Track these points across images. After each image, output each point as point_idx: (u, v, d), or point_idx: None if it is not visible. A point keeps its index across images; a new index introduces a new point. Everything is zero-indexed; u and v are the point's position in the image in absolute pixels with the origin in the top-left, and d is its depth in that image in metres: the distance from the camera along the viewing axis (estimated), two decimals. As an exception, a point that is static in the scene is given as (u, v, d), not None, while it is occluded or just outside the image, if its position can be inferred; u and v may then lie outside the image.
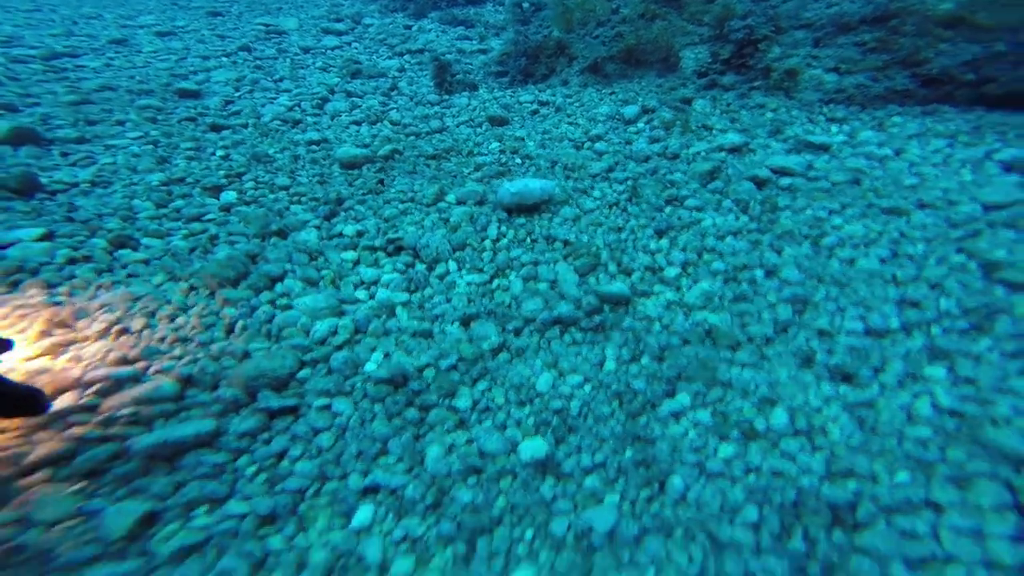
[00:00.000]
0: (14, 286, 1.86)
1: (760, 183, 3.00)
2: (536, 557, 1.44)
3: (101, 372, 1.59)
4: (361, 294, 2.09)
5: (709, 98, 4.25)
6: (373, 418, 1.66)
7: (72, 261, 2.00)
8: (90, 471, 1.40)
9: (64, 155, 2.70)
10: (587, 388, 1.82)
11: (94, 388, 1.55)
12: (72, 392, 1.55)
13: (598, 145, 3.59)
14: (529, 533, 1.48)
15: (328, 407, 1.66)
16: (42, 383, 1.55)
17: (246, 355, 1.74)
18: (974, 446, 1.55)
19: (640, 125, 3.94)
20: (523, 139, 3.76)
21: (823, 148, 3.30)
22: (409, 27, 7.32)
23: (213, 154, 2.99)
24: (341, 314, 1.96)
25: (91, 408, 1.51)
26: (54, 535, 1.28)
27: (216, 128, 3.35)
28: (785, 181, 2.99)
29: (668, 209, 2.81)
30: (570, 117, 4.22)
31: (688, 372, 1.85)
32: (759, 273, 2.29)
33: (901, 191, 2.75)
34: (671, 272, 2.33)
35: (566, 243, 2.45)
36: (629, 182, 3.07)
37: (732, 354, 1.91)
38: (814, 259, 2.36)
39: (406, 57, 6.06)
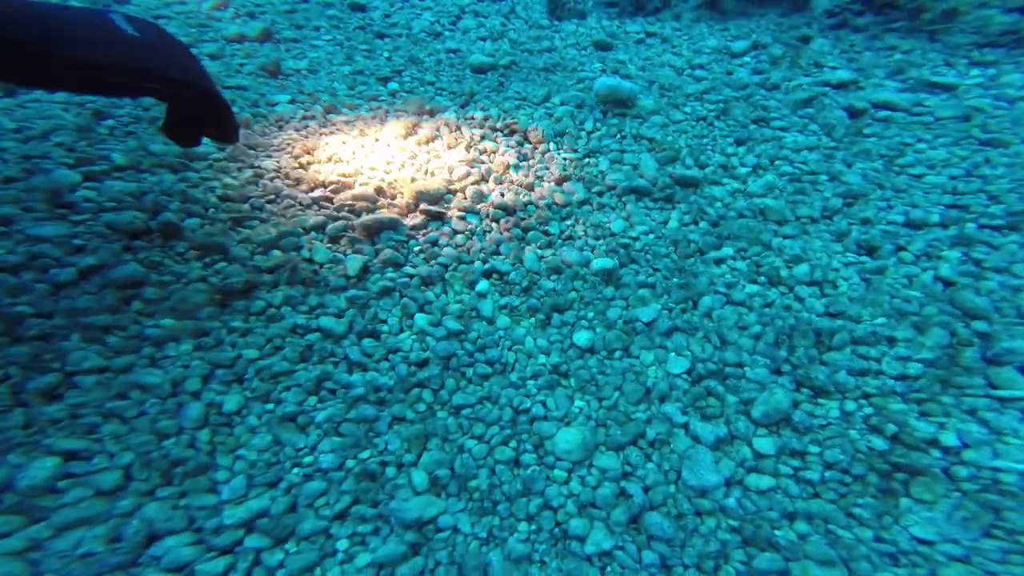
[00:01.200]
0: (279, 128, 2.83)
1: (855, 113, 3.17)
2: (594, 329, 2.08)
3: (333, 177, 2.47)
4: (485, 158, 2.79)
5: (832, 37, 4.28)
6: (491, 230, 2.38)
7: (304, 118, 2.93)
8: (333, 236, 2.25)
9: (287, 50, 3.67)
10: (651, 236, 2.38)
11: (330, 188, 2.43)
12: (319, 188, 2.43)
13: (698, 72, 3.90)
14: (591, 314, 2.12)
15: (464, 218, 2.40)
16: (303, 180, 2.46)
17: (413, 180, 2.53)
18: (946, 304, 1.91)
19: (746, 59, 4.14)
20: (624, 62, 4.15)
21: (947, 88, 3.26)
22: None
23: (381, 55, 3.81)
24: (472, 164, 2.68)
25: (329, 198, 2.39)
26: (323, 270, 2.15)
27: (380, 36, 4.17)
28: (883, 114, 3.13)
29: (752, 127, 3.14)
30: (675, 48, 4.50)
31: (736, 234, 2.33)
32: (823, 178, 2.63)
33: (1015, 127, 2.76)
34: (742, 171, 2.74)
35: (651, 140, 2.94)
36: (720, 104, 3.41)
37: (778, 227, 2.35)
38: (882, 172, 2.63)
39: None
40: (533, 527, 1.51)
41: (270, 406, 1.72)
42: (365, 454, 1.64)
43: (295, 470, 1.57)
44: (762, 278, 2.16)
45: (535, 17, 5.20)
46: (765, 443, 1.63)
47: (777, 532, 1.45)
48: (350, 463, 1.61)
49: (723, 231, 2.35)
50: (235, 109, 2.87)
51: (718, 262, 2.25)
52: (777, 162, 2.79)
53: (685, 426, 1.72)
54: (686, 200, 2.55)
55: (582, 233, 2.38)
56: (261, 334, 1.89)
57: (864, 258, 2.15)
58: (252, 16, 3.98)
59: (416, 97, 3.24)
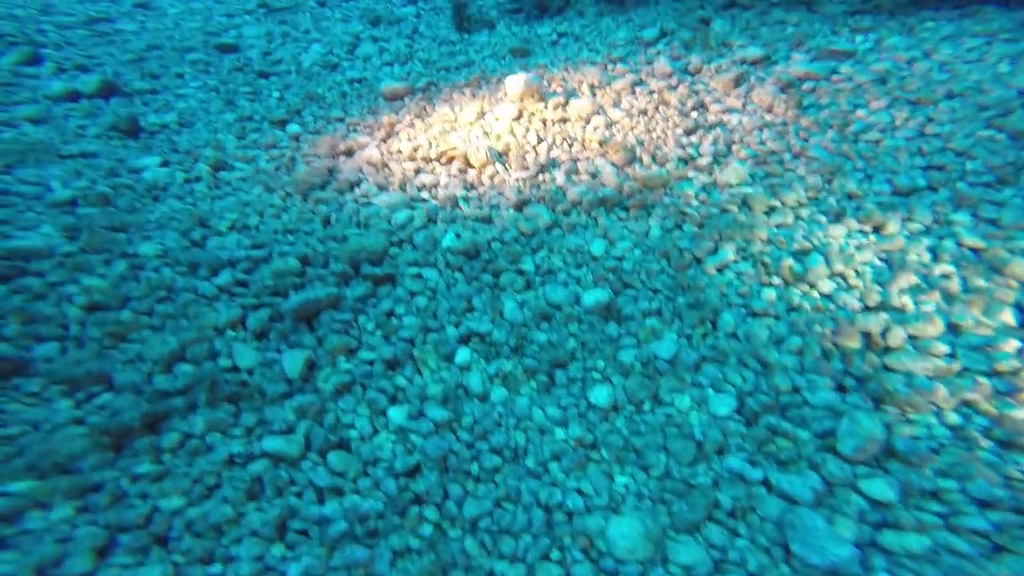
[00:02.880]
0: (155, 199, 2.22)
1: (783, 86, 3.13)
2: (609, 380, 1.72)
3: (240, 252, 1.91)
4: (425, 194, 2.35)
5: (728, 17, 4.31)
6: (456, 283, 1.95)
7: (187, 181, 2.32)
8: (258, 331, 1.72)
9: (145, 104, 2.99)
10: (636, 252, 2.07)
11: (240, 266, 1.87)
12: (224, 269, 1.87)
13: (620, 65, 3.73)
14: (600, 362, 1.77)
15: (419, 275, 1.95)
16: (200, 262, 1.88)
17: (344, 239, 2.03)
18: (989, 271, 1.77)
19: (660, 46, 4.05)
20: (546, 65, 3.91)
21: (848, 55, 3.36)
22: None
23: (270, 95, 3.24)
24: (413, 206, 2.23)
25: (242, 281, 1.84)
26: (254, 377, 1.62)
27: (264, 75, 3.58)
28: (808, 84, 3.11)
29: (695, 113, 2.98)
30: (589, 44, 4.34)
31: (727, 233, 2.08)
32: (787, 155, 2.48)
33: (929, 85, 2.82)
34: (704, 161, 2.53)
35: (600, 143, 2.66)
36: (655, 94, 3.23)
37: (767, 216, 2.14)
38: (840, 142, 2.53)
39: (420, 4, 6.13)
40: None
41: (216, 569, 1.22)
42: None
43: None
44: (775, 278, 1.92)
45: (442, 33, 4.83)
46: (878, 486, 1.32)
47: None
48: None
49: (711, 231, 2.10)
50: (85, 182, 2.21)
51: (720, 268, 1.99)
52: (735, 146, 2.61)
53: (764, 482, 1.40)
54: (660, 203, 2.28)
55: (561, 264, 2.03)
56: (183, 475, 1.41)
57: (874, 236, 1.98)
58: (84, 69, 3.23)
59: (326, 136, 2.73)
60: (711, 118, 2.90)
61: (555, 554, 1.35)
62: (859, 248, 1.93)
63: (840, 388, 1.58)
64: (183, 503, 1.37)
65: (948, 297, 1.75)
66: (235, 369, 1.66)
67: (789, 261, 1.91)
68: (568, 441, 1.56)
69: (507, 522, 1.40)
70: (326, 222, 2.11)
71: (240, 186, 2.34)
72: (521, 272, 2.01)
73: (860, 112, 2.73)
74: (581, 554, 1.34)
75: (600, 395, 1.65)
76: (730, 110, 2.97)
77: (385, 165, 2.52)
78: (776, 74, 3.20)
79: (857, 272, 1.86)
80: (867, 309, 1.76)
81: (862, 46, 3.45)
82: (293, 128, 2.87)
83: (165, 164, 2.44)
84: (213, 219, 2.12)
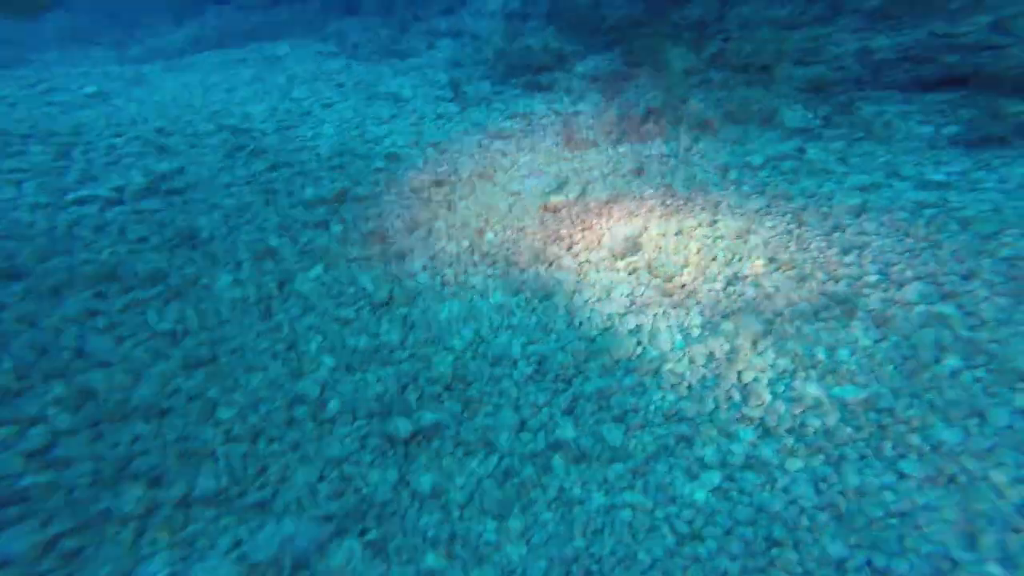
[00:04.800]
0: None
1: (910, 211, 3.54)
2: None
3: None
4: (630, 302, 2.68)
5: (820, 147, 4.94)
6: (707, 377, 2.20)
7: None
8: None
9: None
10: (855, 357, 2.33)
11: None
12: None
13: (744, 187, 4.25)
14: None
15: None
16: None
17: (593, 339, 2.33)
18: None
19: (767, 171, 4.62)
20: (671, 185, 4.45)
21: (943, 185, 3.87)
22: (499, 92, 8.15)
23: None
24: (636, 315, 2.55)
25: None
26: None
27: (439, 183, 4.13)
28: (929, 211, 3.53)
29: (836, 234, 3.39)
30: (696, 166, 4.94)
31: (942, 343, 2.34)
32: (955, 278, 2.81)
33: None
34: (872, 279, 2.86)
35: (769, 260, 3.04)
36: (789, 215, 3.69)
37: (972, 332, 2.41)
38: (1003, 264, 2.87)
39: (517, 119, 6.95)
40: None
41: None
42: None
43: None
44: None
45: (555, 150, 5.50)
46: None
47: None
48: None
49: (919, 340, 2.36)
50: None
51: (954, 373, 2.23)
52: (895, 267, 2.96)
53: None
54: (855, 316, 2.57)
55: (791, 365, 2.28)
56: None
57: None
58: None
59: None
60: (854, 240, 3.30)
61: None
62: None
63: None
64: None
65: None
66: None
67: None
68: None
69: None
70: (568, 324, 2.43)
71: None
72: (759, 369, 2.26)
73: (1005, 238, 3.09)
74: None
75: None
76: (865, 232, 3.37)
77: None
78: (893, 200, 3.66)
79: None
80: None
81: (951, 177, 3.97)
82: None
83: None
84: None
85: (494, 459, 2.12)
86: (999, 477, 1.75)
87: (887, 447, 1.79)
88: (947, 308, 2.40)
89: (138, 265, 3.20)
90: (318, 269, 3.31)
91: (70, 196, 4.06)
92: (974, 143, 4.45)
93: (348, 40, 9.48)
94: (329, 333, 2.77)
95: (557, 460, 2.06)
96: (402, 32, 9.21)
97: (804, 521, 1.60)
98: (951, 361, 2.24)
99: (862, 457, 1.78)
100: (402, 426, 2.21)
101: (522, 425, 2.24)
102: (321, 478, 2.01)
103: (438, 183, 4.35)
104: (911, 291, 2.57)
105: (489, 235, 3.70)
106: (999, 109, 4.42)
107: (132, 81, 8.37)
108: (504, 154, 5.37)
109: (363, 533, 1.82)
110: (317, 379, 2.48)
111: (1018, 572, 1.51)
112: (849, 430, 1.90)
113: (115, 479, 1.97)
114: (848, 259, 3.06)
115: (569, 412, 2.27)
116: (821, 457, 1.80)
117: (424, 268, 3.32)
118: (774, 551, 1.50)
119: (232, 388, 2.39)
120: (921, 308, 2.45)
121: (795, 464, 1.80)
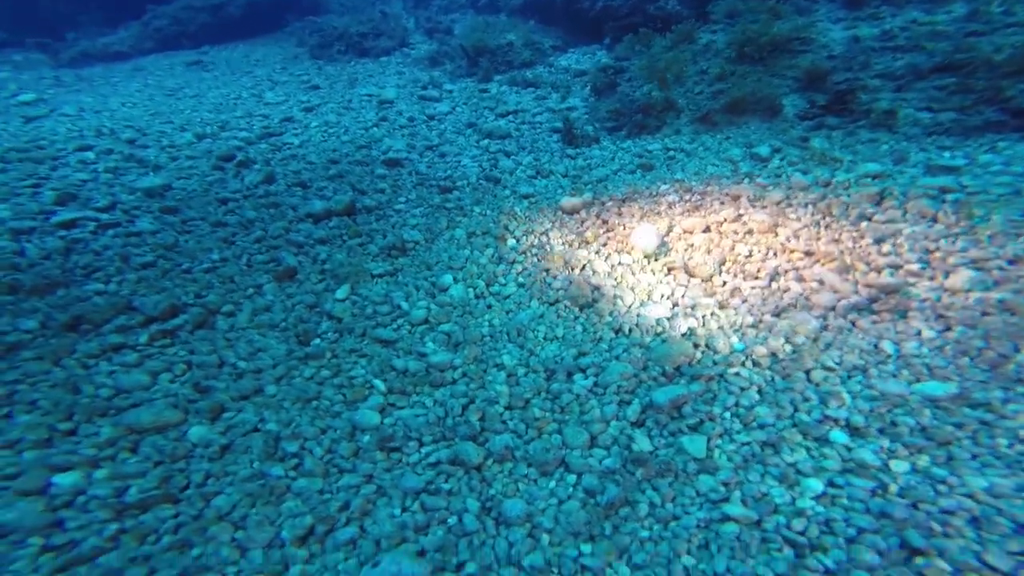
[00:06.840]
0: None
1: (932, 197, 3.55)
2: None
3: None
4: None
5: (823, 136, 4.99)
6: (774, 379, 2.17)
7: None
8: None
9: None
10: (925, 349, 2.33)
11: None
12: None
13: (759, 179, 4.25)
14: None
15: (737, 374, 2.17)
16: None
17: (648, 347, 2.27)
18: None
19: (777, 161, 4.64)
20: (683, 180, 4.42)
21: (953, 170, 3.93)
22: (484, 91, 7.93)
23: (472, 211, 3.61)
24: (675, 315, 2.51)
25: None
26: None
27: (446, 190, 4.00)
28: (951, 196, 3.55)
29: (864, 224, 3.41)
30: (703, 159, 4.93)
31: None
32: (1000, 261, 2.85)
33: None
34: (914, 267, 2.88)
35: (807, 253, 3.03)
36: (809, 206, 3.70)
37: None
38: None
39: (508, 118, 6.81)
40: None
41: None
42: None
43: None
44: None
45: (552, 147, 5.44)
46: None
47: None
48: None
49: (985, 331, 2.37)
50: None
51: None
52: (935, 254, 2.98)
53: None
54: (909, 308, 2.58)
55: (861, 361, 2.26)
56: None
57: None
58: (302, 186, 3.53)
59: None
60: (883, 228, 3.32)
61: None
62: None
63: None
64: None
65: None
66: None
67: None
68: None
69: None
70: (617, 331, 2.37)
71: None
72: (829, 368, 2.24)
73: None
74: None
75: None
76: (893, 220, 3.40)
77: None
78: (913, 187, 3.71)
79: None
80: None
81: (958, 162, 4.04)
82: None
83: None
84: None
85: (571, 478, 2.04)
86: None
87: (1002, 444, 1.77)
88: (1005, 294, 2.42)
89: (152, 295, 2.97)
90: (345, 288, 3.14)
91: (54, 220, 3.76)
92: (972, 128, 4.57)
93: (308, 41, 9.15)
94: (374, 356, 2.63)
95: (639, 475, 1.98)
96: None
97: (935, 526, 1.56)
98: None
99: (974, 456, 1.76)
100: (472, 451, 2.10)
101: (593, 441, 2.16)
102: (404, 510, 1.89)
103: (446, 189, 4.21)
104: (961, 279, 2.59)
105: (511, 241, 3.60)
106: (995, 94, 4.55)
107: (75, 88, 7.82)
108: (506, 154, 5.26)
109: (459, 568, 1.71)
110: (372, 405, 2.34)
111: None
112: (950, 428, 1.88)
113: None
114: (884, 248, 3.08)
115: (640, 424, 2.20)
116: (926, 458, 1.77)
117: (455, 281, 3.19)
118: (919, 560, 1.46)
119: (287, 421, 2.23)
120: (977, 295, 2.47)
121: (902, 466, 1.77)
